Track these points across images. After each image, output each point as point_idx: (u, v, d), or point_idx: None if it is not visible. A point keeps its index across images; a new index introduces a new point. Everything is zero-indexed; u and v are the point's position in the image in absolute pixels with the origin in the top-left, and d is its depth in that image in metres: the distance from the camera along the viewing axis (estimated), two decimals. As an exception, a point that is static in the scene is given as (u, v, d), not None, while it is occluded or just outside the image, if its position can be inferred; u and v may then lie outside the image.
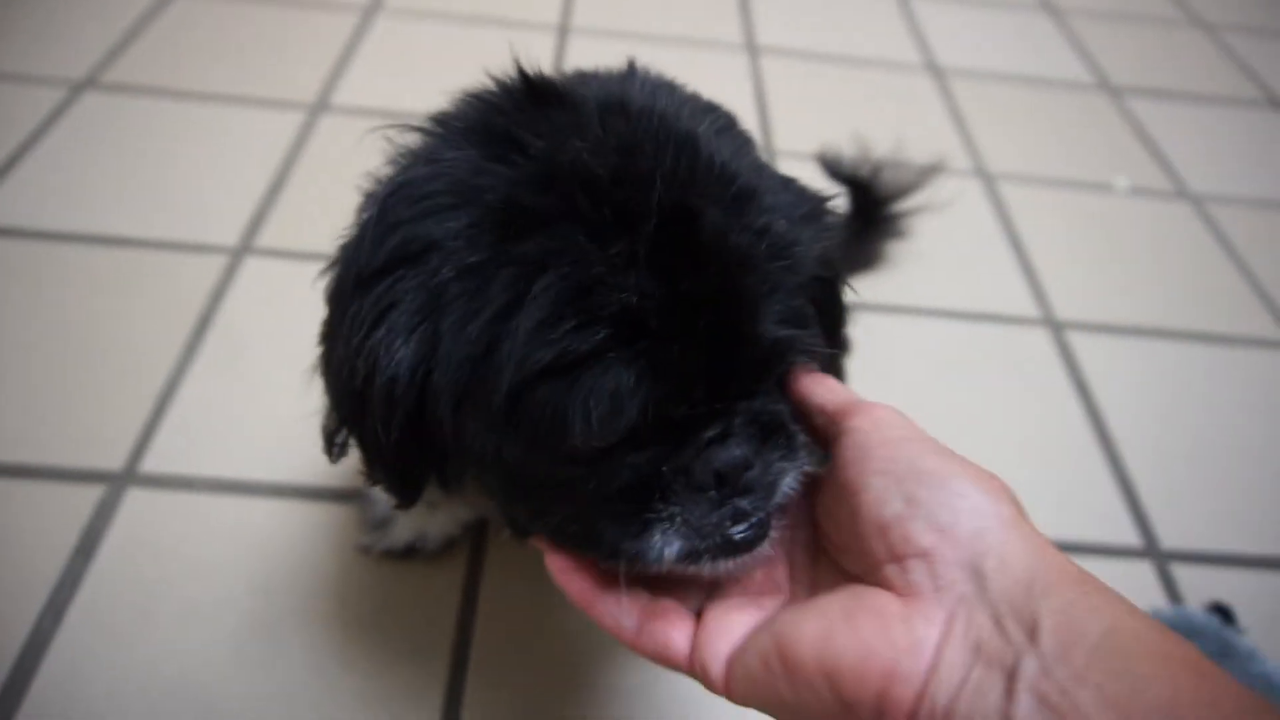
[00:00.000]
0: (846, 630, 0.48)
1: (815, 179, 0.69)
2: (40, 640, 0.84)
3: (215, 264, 1.25)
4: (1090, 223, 1.60)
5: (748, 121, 0.70)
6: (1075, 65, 2.07)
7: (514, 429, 0.52)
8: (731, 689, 0.53)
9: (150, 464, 1.00)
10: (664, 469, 0.53)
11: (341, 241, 0.61)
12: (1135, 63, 2.10)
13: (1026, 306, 1.40)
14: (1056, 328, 1.36)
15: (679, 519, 0.54)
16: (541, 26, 1.90)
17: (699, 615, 0.56)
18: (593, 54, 0.69)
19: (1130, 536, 1.09)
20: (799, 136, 1.63)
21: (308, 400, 0.71)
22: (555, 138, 0.54)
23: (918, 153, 1.45)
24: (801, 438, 0.57)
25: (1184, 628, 0.95)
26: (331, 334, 0.62)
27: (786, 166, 0.63)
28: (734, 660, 0.52)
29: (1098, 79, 2.03)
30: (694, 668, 0.54)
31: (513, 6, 1.93)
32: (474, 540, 0.97)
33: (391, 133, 0.62)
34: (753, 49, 1.94)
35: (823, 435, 0.58)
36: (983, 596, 0.46)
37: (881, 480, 0.51)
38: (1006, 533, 0.48)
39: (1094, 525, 1.09)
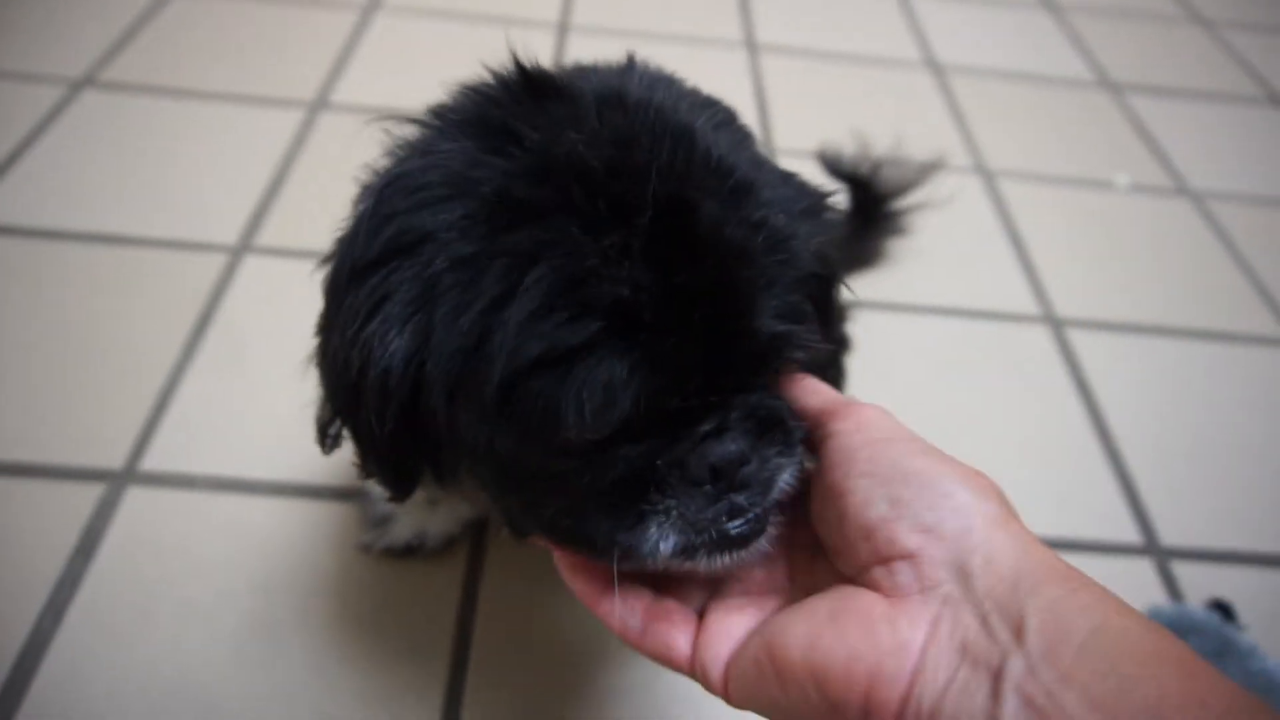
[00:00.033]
0: (832, 632, 0.48)
1: (815, 176, 0.69)
2: (40, 640, 0.84)
3: (215, 262, 1.25)
4: (1090, 220, 1.59)
5: (747, 119, 0.70)
6: (1075, 62, 2.07)
7: (506, 420, 0.51)
8: (729, 692, 0.53)
9: (150, 463, 1.00)
10: (659, 462, 0.53)
11: (338, 234, 0.61)
12: (1135, 60, 2.10)
13: (1026, 304, 1.40)
14: (1056, 325, 1.36)
15: (674, 513, 0.53)
16: (541, 24, 1.90)
17: (701, 615, 0.56)
18: (592, 52, 0.69)
19: (1130, 534, 1.09)
20: (799, 134, 1.62)
21: (304, 393, 0.71)
22: (551, 130, 0.54)
23: (917, 150, 1.45)
24: (799, 433, 0.57)
25: (1184, 625, 0.95)
26: (327, 325, 0.61)
27: (786, 164, 0.63)
28: (731, 663, 0.52)
29: (1098, 76, 2.03)
30: (695, 670, 0.54)
31: (512, 4, 1.93)
32: (474, 539, 0.97)
33: (389, 126, 0.62)
34: (752, 46, 1.94)
35: (809, 438, 0.58)
36: (969, 596, 0.46)
37: (866, 483, 0.51)
38: (992, 531, 0.48)
39: (1094, 523, 1.09)
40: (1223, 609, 0.97)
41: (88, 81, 1.56)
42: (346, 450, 0.64)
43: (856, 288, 0.68)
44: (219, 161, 1.43)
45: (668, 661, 0.55)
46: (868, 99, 1.83)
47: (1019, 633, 0.43)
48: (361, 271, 0.55)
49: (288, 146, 1.48)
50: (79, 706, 0.80)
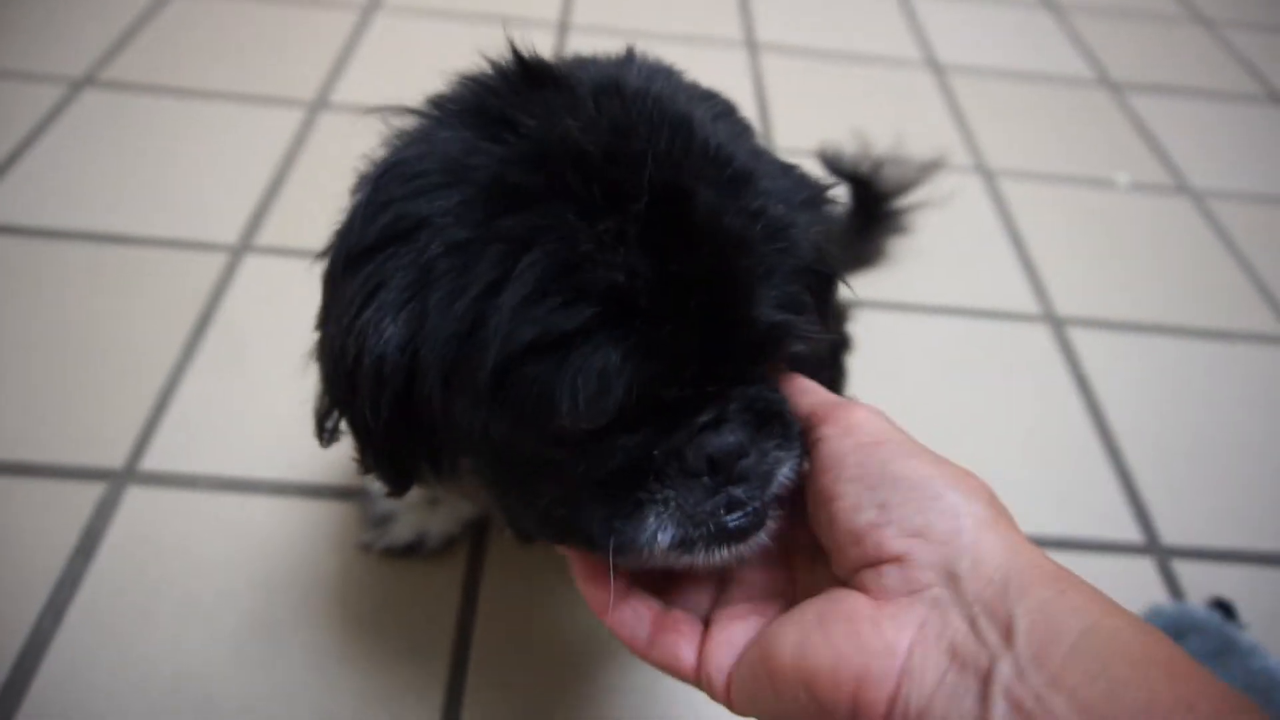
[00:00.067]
0: (820, 635, 0.48)
1: (816, 173, 0.69)
2: (40, 640, 0.84)
3: (215, 262, 1.25)
4: (1090, 218, 1.59)
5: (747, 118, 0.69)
6: (1075, 61, 2.07)
7: (501, 406, 0.51)
8: (732, 700, 0.53)
9: (151, 462, 1.00)
10: (656, 452, 0.53)
11: (336, 226, 0.61)
12: (1135, 58, 2.10)
13: (1027, 303, 1.39)
14: (1057, 324, 1.36)
15: (672, 503, 0.53)
16: (541, 23, 1.90)
17: (706, 624, 0.56)
18: (592, 51, 0.69)
19: (1131, 532, 1.08)
20: (799, 133, 1.62)
21: (305, 391, 0.71)
22: (548, 117, 0.54)
23: (918, 149, 1.45)
24: (798, 427, 0.56)
25: (1185, 624, 0.95)
26: (325, 316, 0.61)
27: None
28: (733, 671, 0.53)
29: (1098, 75, 2.02)
30: (700, 680, 0.54)
31: (513, 4, 1.92)
32: (474, 539, 0.97)
33: (389, 115, 0.62)
34: (752, 46, 1.94)
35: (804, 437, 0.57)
36: (957, 598, 0.46)
37: (854, 488, 0.51)
38: (981, 533, 0.47)
39: (1095, 521, 1.09)
40: (1224, 608, 0.97)
41: (88, 81, 1.56)
42: (347, 449, 0.64)
43: (857, 287, 0.68)
44: (219, 161, 1.43)
45: (674, 672, 0.55)
46: (868, 98, 1.83)
47: (1008, 635, 0.43)
48: (357, 259, 0.55)
49: (288, 146, 1.48)
50: (79, 706, 0.80)
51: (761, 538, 0.55)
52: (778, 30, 2.00)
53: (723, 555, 0.54)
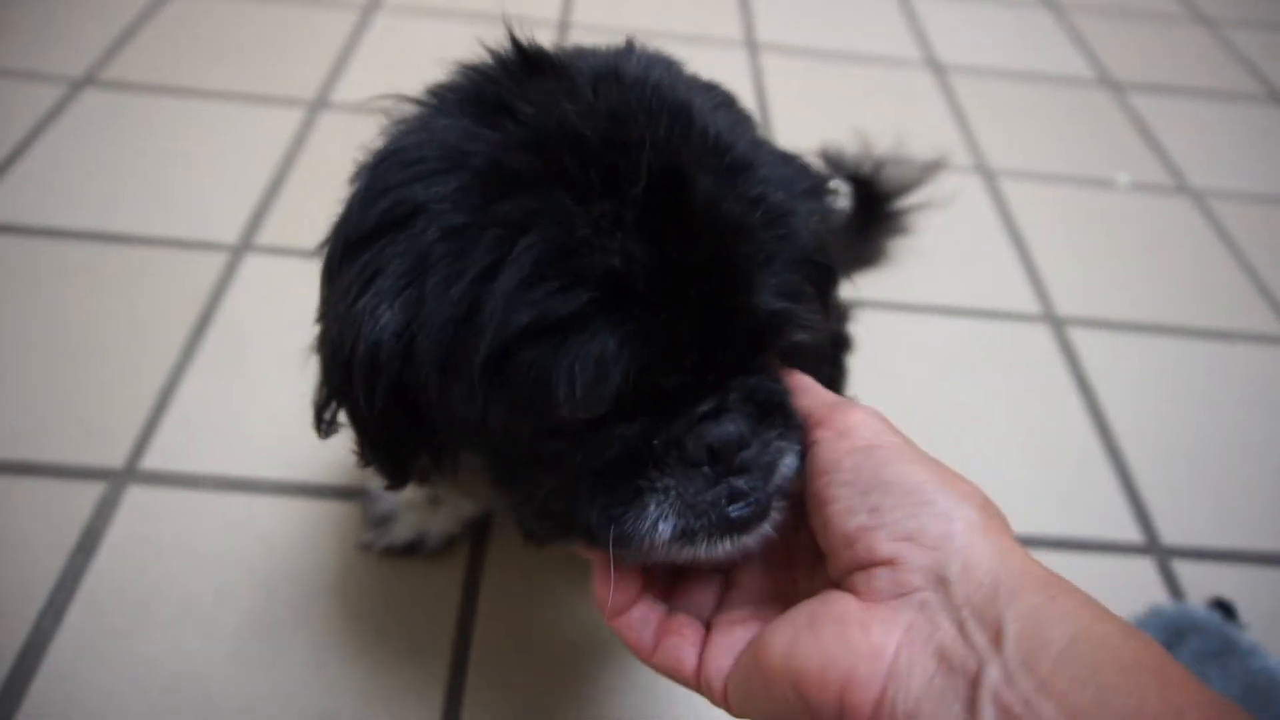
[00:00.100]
0: (810, 636, 0.48)
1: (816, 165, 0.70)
2: (40, 640, 0.84)
3: (216, 261, 1.25)
4: (1091, 219, 1.59)
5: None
6: (1076, 61, 2.07)
7: (497, 392, 0.51)
8: (729, 702, 0.53)
9: (151, 461, 1.00)
10: (655, 441, 0.52)
11: (335, 218, 0.61)
12: (1136, 58, 2.10)
13: (1027, 303, 1.39)
14: (1057, 324, 1.36)
15: (673, 493, 0.52)
16: (542, 23, 1.90)
17: (708, 628, 0.56)
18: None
19: (1131, 533, 1.08)
20: (800, 133, 1.62)
21: (305, 386, 0.71)
22: (546, 103, 0.54)
23: (919, 149, 1.45)
24: (800, 418, 0.56)
25: (1185, 624, 0.95)
26: (324, 306, 0.61)
27: (786, 164, 0.63)
28: (730, 673, 0.53)
29: (1098, 74, 2.02)
30: (700, 685, 0.54)
31: (513, 3, 1.92)
32: (474, 539, 0.96)
33: (388, 106, 0.62)
34: (752, 46, 1.94)
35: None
36: (946, 602, 0.46)
37: (847, 491, 0.51)
38: (972, 538, 0.47)
39: (1095, 522, 1.09)
40: (1224, 608, 0.97)
41: (88, 80, 1.56)
42: (347, 449, 0.64)
43: (858, 287, 0.68)
44: (220, 160, 1.43)
45: (677, 676, 0.55)
46: (868, 98, 1.83)
47: (997, 640, 0.43)
48: (354, 246, 0.55)
49: (288, 146, 1.48)
50: (79, 706, 0.80)
51: (766, 529, 0.55)
52: (778, 30, 2.00)
53: (726, 547, 0.54)
